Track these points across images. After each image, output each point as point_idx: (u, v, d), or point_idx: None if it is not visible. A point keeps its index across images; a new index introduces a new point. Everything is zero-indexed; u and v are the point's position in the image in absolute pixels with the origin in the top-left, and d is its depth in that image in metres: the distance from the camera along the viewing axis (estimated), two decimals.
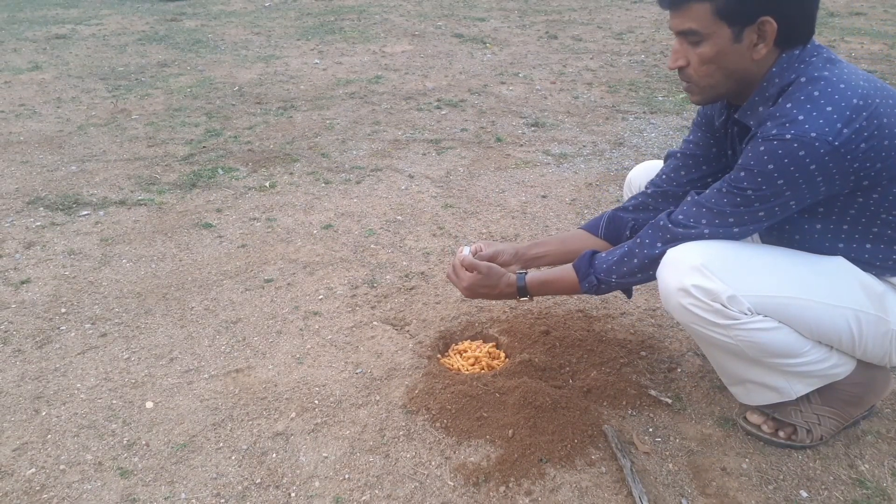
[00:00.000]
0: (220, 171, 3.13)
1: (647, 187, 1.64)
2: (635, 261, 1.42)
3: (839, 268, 1.34)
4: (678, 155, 1.59)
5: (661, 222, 1.39)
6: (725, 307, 1.28)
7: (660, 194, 1.59)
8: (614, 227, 1.64)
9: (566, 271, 1.53)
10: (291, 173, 3.12)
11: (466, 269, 1.59)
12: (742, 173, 1.27)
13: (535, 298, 1.63)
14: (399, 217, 2.68)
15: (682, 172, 1.57)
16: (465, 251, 1.63)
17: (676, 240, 1.35)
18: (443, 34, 6.03)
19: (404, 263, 2.34)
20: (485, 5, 7.49)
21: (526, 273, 1.58)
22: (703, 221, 1.33)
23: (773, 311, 1.30)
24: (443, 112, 3.97)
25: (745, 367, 1.40)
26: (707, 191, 1.35)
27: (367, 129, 3.68)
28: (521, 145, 3.45)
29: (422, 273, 2.27)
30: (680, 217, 1.36)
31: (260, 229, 2.60)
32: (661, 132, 3.62)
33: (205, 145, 3.47)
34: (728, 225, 1.31)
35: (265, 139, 3.55)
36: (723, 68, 1.31)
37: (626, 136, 3.55)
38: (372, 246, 2.46)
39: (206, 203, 2.82)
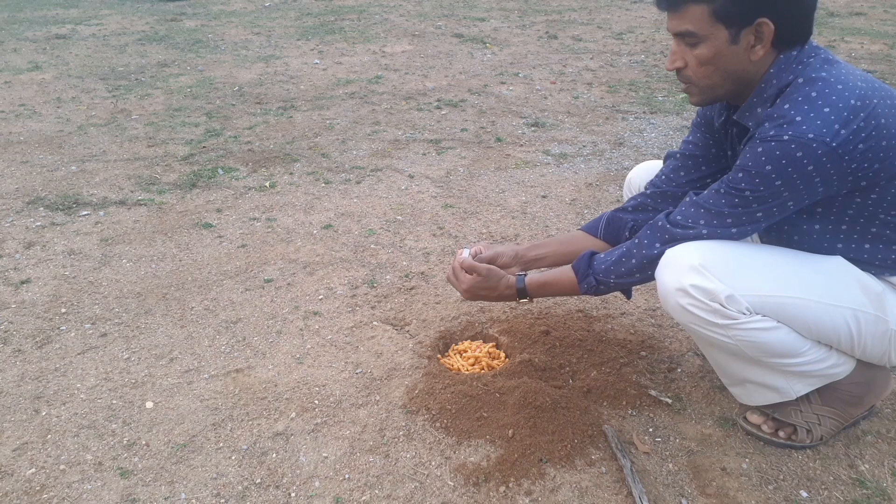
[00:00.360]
0: (220, 171, 3.13)
1: (646, 188, 1.64)
2: (634, 261, 1.42)
3: (838, 267, 1.34)
4: (678, 155, 1.59)
5: (660, 223, 1.39)
6: (724, 307, 1.28)
7: (659, 195, 1.60)
8: (614, 227, 1.64)
9: (565, 272, 1.54)
10: (291, 173, 3.12)
11: (466, 272, 1.59)
12: (740, 174, 1.27)
13: (534, 299, 1.63)
14: (399, 217, 2.68)
15: (682, 173, 1.57)
16: (465, 253, 1.63)
17: (675, 240, 1.35)
18: (443, 34, 6.04)
19: (404, 263, 2.34)
20: (485, 5, 7.49)
21: (525, 275, 1.58)
22: (702, 222, 1.33)
23: (772, 311, 1.30)
24: (443, 112, 3.97)
25: (744, 367, 1.41)
26: (706, 191, 1.35)
27: (367, 129, 3.68)
28: (521, 145, 3.45)
29: (422, 273, 2.27)
30: (678, 218, 1.37)
31: (260, 229, 2.60)
32: (661, 132, 3.62)
33: (205, 145, 3.47)
34: (726, 226, 1.32)
35: (265, 139, 3.55)
36: (721, 69, 1.31)
37: (626, 136, 3.55)
38: (372, 246, 2.46)
39: (206, 203, 2.82)
